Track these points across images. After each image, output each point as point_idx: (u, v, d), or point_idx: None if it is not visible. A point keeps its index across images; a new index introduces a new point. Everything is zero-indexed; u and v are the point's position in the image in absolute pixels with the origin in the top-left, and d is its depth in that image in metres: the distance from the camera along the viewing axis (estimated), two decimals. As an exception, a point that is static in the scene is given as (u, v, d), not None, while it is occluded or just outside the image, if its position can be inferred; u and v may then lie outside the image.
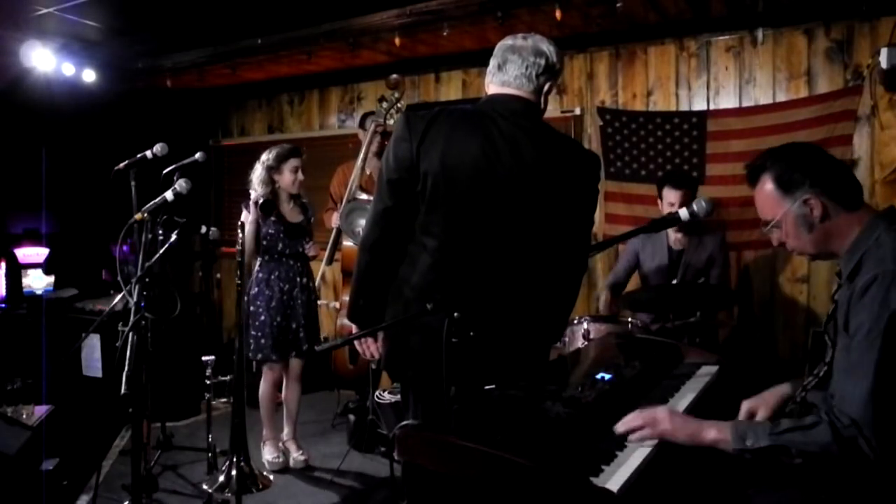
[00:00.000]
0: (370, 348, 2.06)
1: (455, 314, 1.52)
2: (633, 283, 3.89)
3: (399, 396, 2.86)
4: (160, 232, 3.01)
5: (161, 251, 2.85)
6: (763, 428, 1.50)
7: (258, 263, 3.62)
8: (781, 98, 4.02)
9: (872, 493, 1.50)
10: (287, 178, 3.56)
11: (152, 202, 2.83)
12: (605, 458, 1.47)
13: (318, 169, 4.56)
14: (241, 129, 6.30)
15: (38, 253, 5.49)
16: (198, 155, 3.39)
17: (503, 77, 1.88)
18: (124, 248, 2.95)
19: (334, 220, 4.12)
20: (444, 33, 4.15)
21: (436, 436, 1.47)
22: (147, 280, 2.80)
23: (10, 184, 5.27)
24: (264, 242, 3.56)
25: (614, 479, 1.38)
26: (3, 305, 5.13)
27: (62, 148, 5.32)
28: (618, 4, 3.65)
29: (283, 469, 3.63)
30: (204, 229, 3.47)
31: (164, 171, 3.27)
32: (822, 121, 3.85)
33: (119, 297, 3.22)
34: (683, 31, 4.23)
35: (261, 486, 3.26)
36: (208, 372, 3.74)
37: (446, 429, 1.48)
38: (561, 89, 4.62)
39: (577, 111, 4.60)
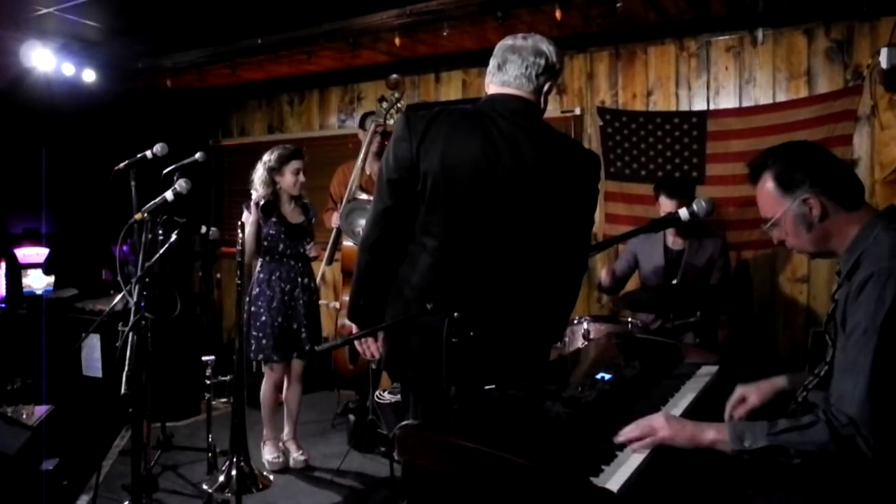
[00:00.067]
0: (370, 348, 2.06)
1: (455, 314, 1.52)
2: (633, 284, 3.89)
3: (399, 396, 2.87)
4: (160, 232, 3.01)
5: (161, 251, 2.84)
6: (761, 428, 1.50)
7: (259, 264, 3.63)
8: (781, 98, 4.02)
9: (871, 493, 1.50)
10: (288, 179, 3.55)
11: (152, 202, 2.83)
12: (605, 458, 1.47)
13: (318, 169, 4.55)
14: (241, 129, 6.30)
15: (38, 253, 5.49)
16: (198, 155, 3.39)
17: (503, 77, 1.88)
18: (124, 248, 2.95)
19: (334, 220, 4.12)
20: (444, 33, 4.15)
21: (436, 436, 1.47)
22: (147, 280, 2.80)
23: (10, 184, 5.27)
24: (265, 243, 3.56)
25: (614, 479, 1.38)
26: (3, 305, 5.13)
27: (62, 148, 5.32)
28: (618, 4, 3.65)
29: (283, 469, 3.63)
30: (204, 229, 3.47)
31: (164, 171, 3.27)
32: (822, 121, 3.85)
33: (119, 297, 3.22)
34: (683, 31, 4.23)
35: (261, 486, 3.26)
36: (208, 372, 3.73)
37: (446, 429, 1.48)
38: (561, 89, 4.62)
39: (577, 111, 4.61)
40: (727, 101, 4.19)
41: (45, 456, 3.27)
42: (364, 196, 3.94)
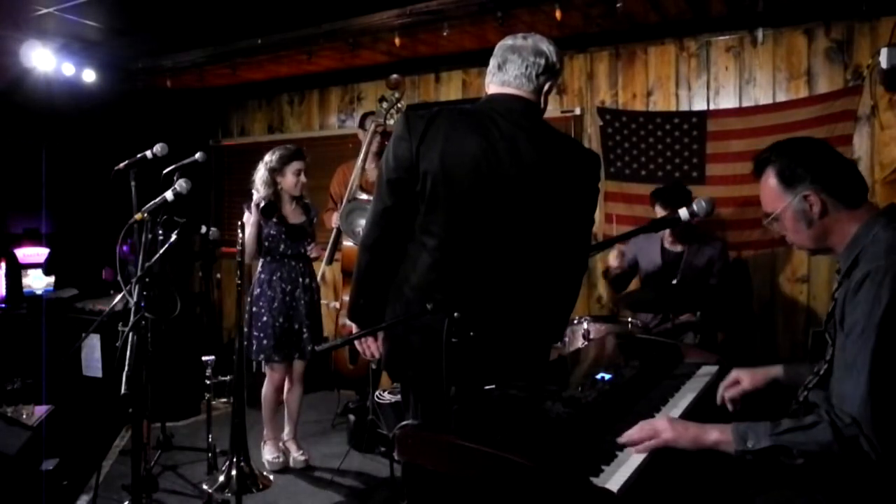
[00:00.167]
0: (370, 348, 2.06)
1: (455, 314, 1.52)
2: (633, 283, 3.89)
3: (399, 396, 2.87)
4: (160, 232, 3.02)
5: (161, 251, 2.85)
6: (764, 429, 1.50)
7: (260, 264, 3.62)
8: (781, 98, 4.02)
9: (874, 493, 1.50)
10: (290, 180, 3.55)
11: (152, 202, 2.83)
12: (605, 458, 1.47)
13: (318, 169, 4.55)
14: (241, 130, 6.30)
15: (38, 253, 5.49)
16: (198, 155, 3.39)
17: (503, 77, 1.88)
18: (124, 248, 2.95)
19: (334, 220, 4.12)
20: (444, 33, 4.15)
21: (436, 436, 1.47)
22: (147, 280, 2.81)
23: (10, 184, 5.27)
24: (266, 243, 3.56)
25: (614, 479, 1.38)
26: (3, 305, 5.12)
27: (62, 148, 5.32)
28: (618, 4, 3.65)
29: (284, 469, 3.63)
30: (204, 229, 3.47)
31: (164, 171, 3.27)
32: (822, 121, 3.85)
33: (119, 297, 3.22)
34: (683, 31, 4.23)
35: (261, 486, 3.26)
36: (208, 372, 3.73)
37: (446, 429, 1.47)
38: (561, 89, 4.62)
39: (577, 111, 4.61)
40: (727, 101, 4.19)
41: (45, 456, 3.27)
42: (364, 196, 3.94)
